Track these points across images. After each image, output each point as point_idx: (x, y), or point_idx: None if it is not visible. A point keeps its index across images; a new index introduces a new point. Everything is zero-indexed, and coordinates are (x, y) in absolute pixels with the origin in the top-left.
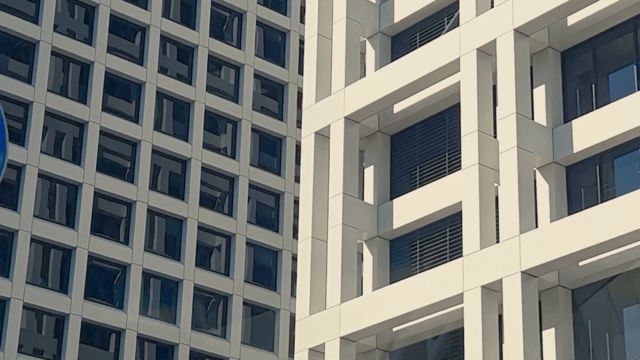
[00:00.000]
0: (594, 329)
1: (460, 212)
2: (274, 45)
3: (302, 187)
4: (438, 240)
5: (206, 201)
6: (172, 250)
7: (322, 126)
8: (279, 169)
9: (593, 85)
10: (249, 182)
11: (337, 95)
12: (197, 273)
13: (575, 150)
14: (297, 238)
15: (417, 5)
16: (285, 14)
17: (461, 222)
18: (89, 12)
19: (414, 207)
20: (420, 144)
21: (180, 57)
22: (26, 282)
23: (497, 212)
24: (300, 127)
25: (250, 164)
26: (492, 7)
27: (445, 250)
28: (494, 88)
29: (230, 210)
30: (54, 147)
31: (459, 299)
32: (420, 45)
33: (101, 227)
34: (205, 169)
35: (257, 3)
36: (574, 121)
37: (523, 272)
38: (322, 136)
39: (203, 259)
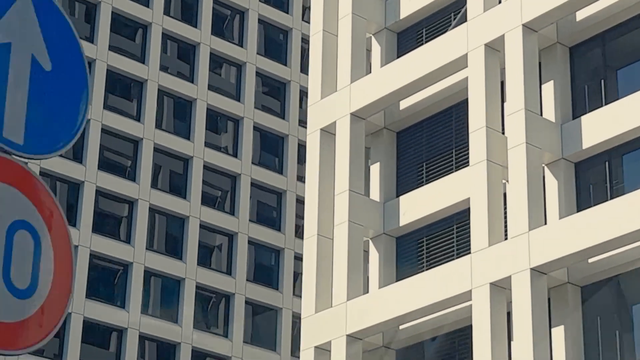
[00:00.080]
0: (603, 326)
1: (468, 209)
2: (276, 43)
3: (307, 184)
4: (445, 237)
5: (208, 200)
6: (174, 249)
7: (327, 123)
8: (281, 168)
9: (602, 81)
10: (251, 180)
11: (342, 91)
12: (198, 272)
13: (584, 147)
14: (299, 237)
15: (423, 1)
16: (287, 12)
17: (468, 219)
18: (91, 9)
19: (421, 204)
20: (426, 141)
21: (181, 55)
22: None
23: (505, 208)
24: (302, 126)
25: (252, 163)
26: (500, 2)
27: (453, 248)
28: (502, 84)
29: (232, 209)
30: None
31: (466, 296)
32: (426, 42)
33: (102, 225)
34: (207, 168)
35: (259, 1)
36: (582, 117)
37: (532, 269)
38: (328, 133)
39: (205, 258)
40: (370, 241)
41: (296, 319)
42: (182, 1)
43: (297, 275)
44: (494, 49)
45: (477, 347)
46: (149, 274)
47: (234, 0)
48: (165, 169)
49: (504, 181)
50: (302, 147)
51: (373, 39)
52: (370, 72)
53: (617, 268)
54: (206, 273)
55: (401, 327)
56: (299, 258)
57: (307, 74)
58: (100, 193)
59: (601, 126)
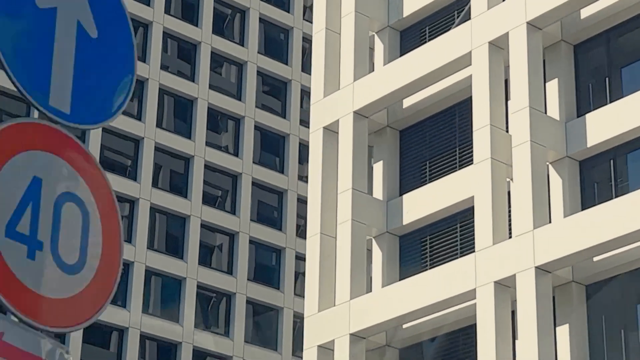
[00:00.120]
0: (608, 325)
1: (471, 207)
2: (277, 42)
3: (310, 183)
4: (448, 236)
5: (209, 199)
6: (175, 248)
7: (330, 121)
8: (282, 167)
9: (606, 79)
10: (252, 180)
11: (345, 89)
12: (199, 271)
13: (588, 145)
14: (300, 236)
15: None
16: (289, 11)
17: (472, 218)
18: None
19: (424, 202)
20: (430, 139)
21: (182, 54)
22: None
23: (509, 207)
24: (303, 125)
25: (253, 162)
26: (503, 0)
27: (456, 246)
28: (506, 82)
29: (233, 208)
30: None
31: (470, 295)
32: (429, 40)
33: None
34: (207, 167)
35: (260, 0)
36: (587, 115)
37: (537, 268)
38: (331, 131)
39: (206, 257)
40: (373, 240)
41: (297, 319)
42: (182, 0)
43: (298, 275)
44: (498, 46)
45: (481, 346)
46: (149, 274)
47: None
48: (166, 168)
49: (508, 179)
50: (303, 147)
51: (376, 37)
52: (373, 70)
53: (622, 266)
54: (207, 272)
55: (404, 326)
56: (300, 257)
57: (308, 73)
58: None
59: (606, 124)
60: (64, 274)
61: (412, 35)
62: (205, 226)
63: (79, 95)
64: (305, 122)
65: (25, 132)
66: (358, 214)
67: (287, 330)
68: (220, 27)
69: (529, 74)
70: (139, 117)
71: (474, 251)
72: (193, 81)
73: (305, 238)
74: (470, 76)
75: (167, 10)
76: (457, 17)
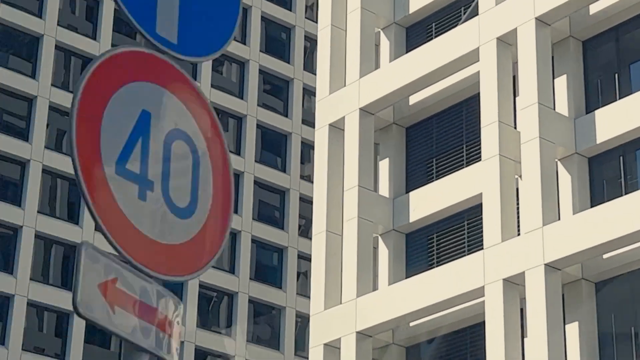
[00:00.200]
0: (618, 322)
1: (479, 204)
2: (279, 41)
3: (315, 180)
4: (456, 233)
5: None
6: None
7: (336, 118)
8: (284, 166)
9: (616, 75)
10: (254, 179)
11: (351, 86)
12: None
13: (598, 141)
14: (302, 235)
15: None
16: (290, 10)
17: (479, 215)
18: (93, 8)
19: (431, 200)
20: (436, 136)
21: None
22: (30, 279)
23: (517, 204)
24: (305, 124)
25: (255, 161)
26: None
27: (463, 244)
28: (514, 78)
29: (235, 207)
30: (59, 143)
31: (478, 292)
32: (435, 36)
33: None
34: None
35: None
36: (596, 111)
37: (546, 265)
38: (336, 128)
39: None
40: (379, 237)
41: (299, 318)
42: None
43: (301, 274)
44: (506, 42)
45: (490, 344)
46: None
47: None
48: None
49: (516, 176)
50: (305, 145)
51: (382, 34)
52: (379, 67)
53: (632, 264)
54: (209, 272)
55: (411, 324)
56: (302, 257)
57: (310, 72)
58: None
59: (615, 121)
60: (175, 217)
61: (418, 32)
62: None
63: (186, 25)
64: (307, 120)
65: (132, 62)
66: (364, 212)
67: (290, 330)
68: None
69: (538, 70)
70: None
71: (481, 249)
72: (195, 80)
73: (307, 237)
74: (477, 73)
75: None
76: (464, 13)
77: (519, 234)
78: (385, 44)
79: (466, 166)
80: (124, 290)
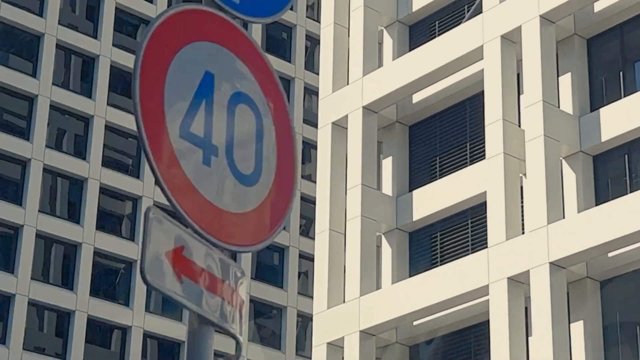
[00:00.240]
0: (623, 321)
1: (483, 203)
2: (280, 40)
3: (318, 179)
4: (459, 232)
5: None
6: None
7: (339, 116)
8: None
9: (620, 73)
10: None
11: (354, 85)
12: None
13: (602, 139)
14: (304, 235)
15: None
16: (292, 9)
17: (483, 214)
18: (94, 6)
19: (434, 198)
20: (440, 135)
21: None
22: (31, 279)
23: (522, 202)
24: (306, 123)
25: None
26: None
27: (467, 243)
28: (518, 76)
29: None
30: (60, 142)
31: (483, 291)
32: (439, 34)
33: (106, 223)
34: None
35: None
36: (601, 110)
37: (551, 264)
38: (339, 127)
39: None
40: (382, 236)
41: (301, 318)
42: None
43: (302, 274)
44: (511, 40)
45: (494, 343)
46: None
47: None
48: None
49: (521, 174)
50: (306, 145)
51: (385, 32)
52: (382, 65)
53: (637, 262)
54: None
55: (415, 323)
56: (303, 256)
57: (312, 71)
58: (103, 190)
59: (619, 119)
60: (240, 185)
61: (421, 30)
62: None
63: None
64: (308, 120)
65: (193, 21)
66: (367, 210)
67: (291, 329)
68: None
69: (542, 68)
70: None
71: (485, 247)
72: None
73: (308, 237)
74: (481, 71)
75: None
76: (467, 11)
77: (523, 233)
78: (388, 42)
79: (470, 164)
80: (191, 259)
